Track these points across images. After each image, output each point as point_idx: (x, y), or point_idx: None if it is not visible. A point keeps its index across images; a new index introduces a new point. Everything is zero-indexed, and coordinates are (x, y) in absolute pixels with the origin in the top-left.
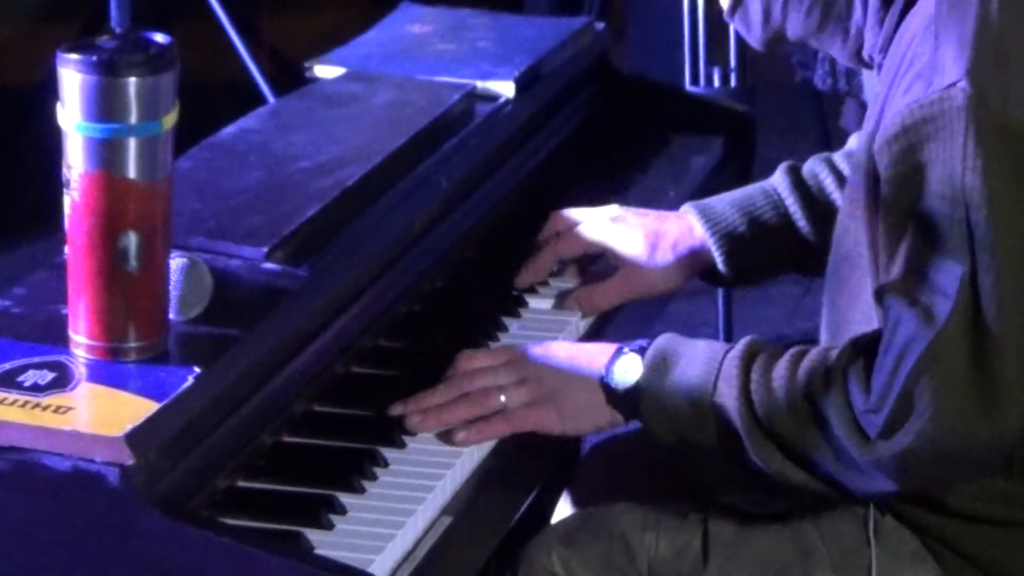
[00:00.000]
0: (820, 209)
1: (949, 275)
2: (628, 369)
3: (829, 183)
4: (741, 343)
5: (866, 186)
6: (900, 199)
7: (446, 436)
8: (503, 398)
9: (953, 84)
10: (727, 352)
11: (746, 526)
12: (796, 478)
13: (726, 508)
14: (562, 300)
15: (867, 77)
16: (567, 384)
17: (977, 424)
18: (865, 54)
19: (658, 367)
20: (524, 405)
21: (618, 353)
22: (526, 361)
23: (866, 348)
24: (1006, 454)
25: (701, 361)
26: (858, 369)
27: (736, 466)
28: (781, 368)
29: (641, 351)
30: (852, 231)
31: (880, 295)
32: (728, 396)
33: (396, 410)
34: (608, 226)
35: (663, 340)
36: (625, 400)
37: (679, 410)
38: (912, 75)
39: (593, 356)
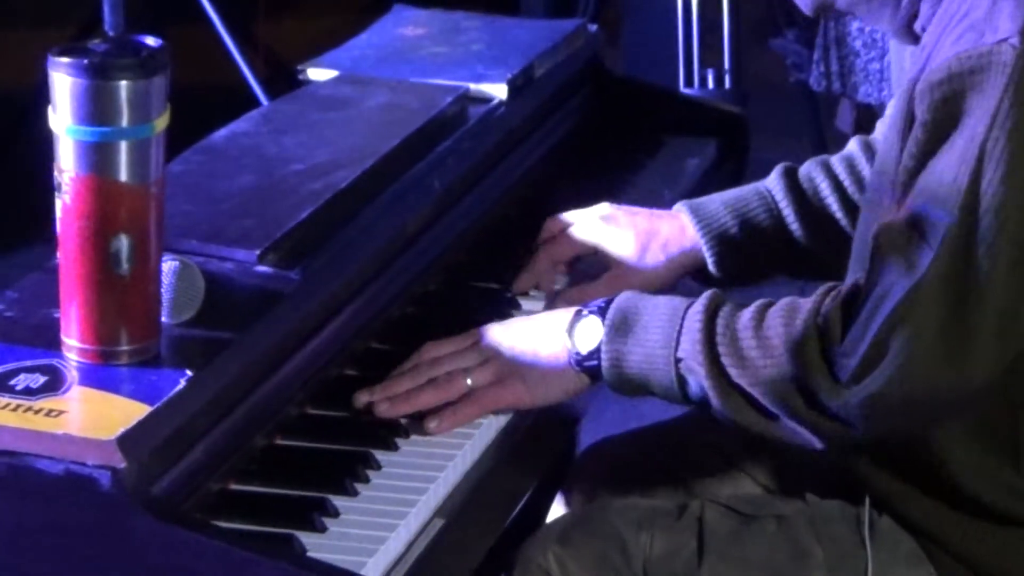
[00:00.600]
0: (814, 213)
1: (936, 227)
2: (589, 331)
3: (825, 188)
4: (703, 297)
5: (901, 134)
6: (927, 143)
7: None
8: (469, 381)
9: (1004, 39)
10: (688, 306)
11: (742, 527)
12: (761, 428)
13: (722, 508)
14: (553, 301)
15: (895, 53)
16: (530, 356)
17: (946, 374)
18: (917, 26)
19: (619, 327)
20: (490, 384)
21: (577, 316)
22: (487, 340)
23: (845, 292)
24: (969, 402)
25: (663, 317)
26: (835, 312)
27: (708, 419)
28: (747, 317)
29: (601, 312)
30: (875, 210)
31: (873, 234)
32: (691, 351)
33: (363, 398)
34: (599, 225)
35: (623, 299)
36: (589, 362)
37: (643, 368)
38: (965, 25)
39: (553, 323)
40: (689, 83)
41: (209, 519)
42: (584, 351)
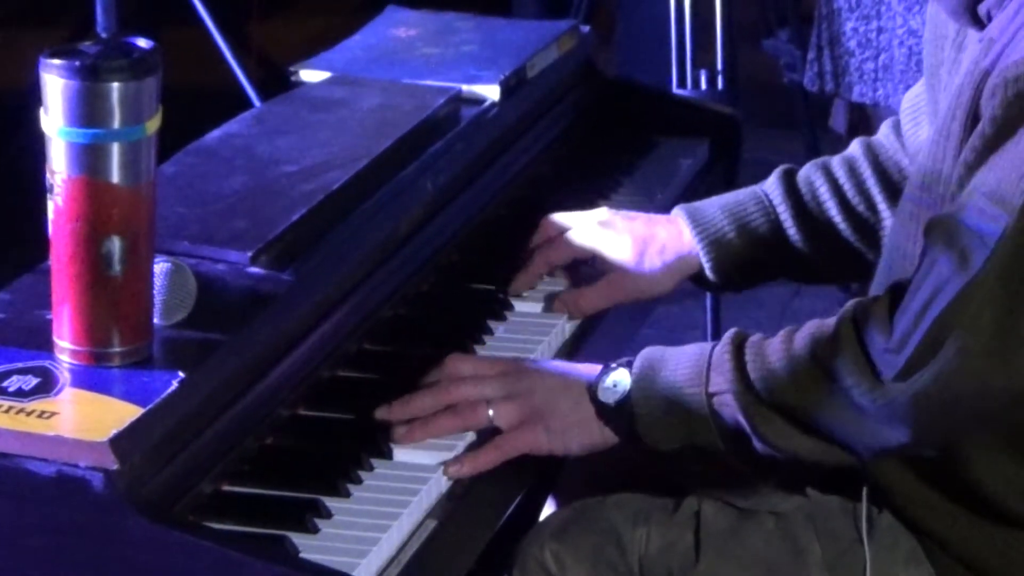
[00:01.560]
0: (812, 218)
1: (993, 223)
2: (617, 381)
3: (824, 191)
4: (726, 335)
5: (962, 126)
6: (994, 138)
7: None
8: (490, 412)
9: None
10: (714, 347)
11: (739, 522)
12: (807, 449)
13: (719, 503)
14: (549, 303)
15: (932, 35)
16: (556, 401)
17: (998, 372)
18: (983, 9)
19: (647, 373)
20: (512, 425)
21: (605, 369)
22: (515, 375)
23: (890, 289)
24: (1019, 403)
25: (689, 359)
26: (879, 307)
27: (745, 462)
28: (776, 342)
29: (628, 364)
30: (910, 253)
31: (928, 228)
32: (723, 383)
33: (381, 414)
34: (597, 231)
35: (648, 350)
36: (619, 412)
37: (675, 411)
38: None
39: (581, 373)
40: (682, 84)
41: (201, 520)
42: (612, 401)
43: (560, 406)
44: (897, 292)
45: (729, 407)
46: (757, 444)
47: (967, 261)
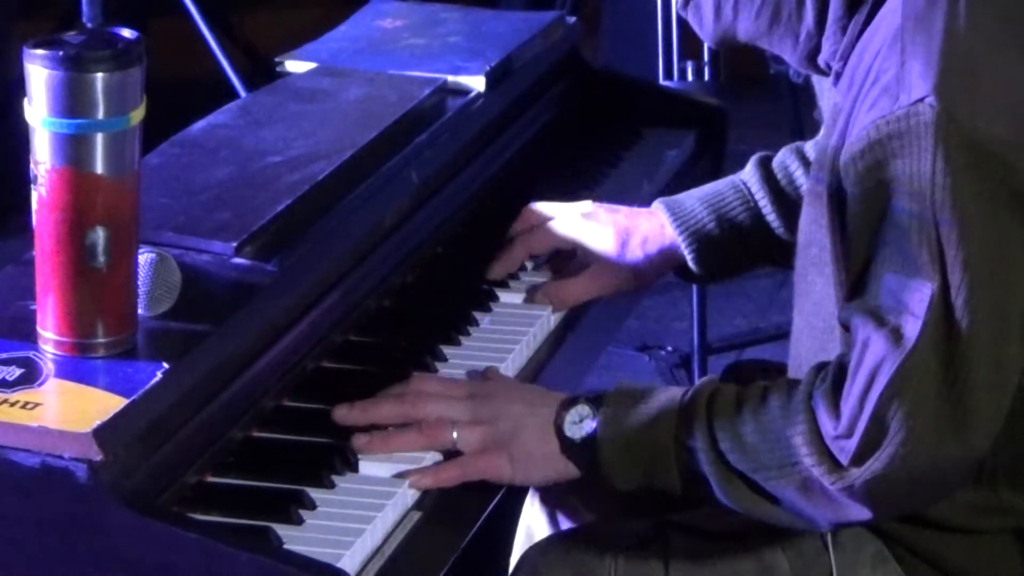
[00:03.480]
0: (791, 202)
1: (918, 294)
2: (583, 418)
3: (799, 174)
4: (700, 383)
5: (829, 200)
6: (866, 217)
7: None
8: (455, 434)
9: (921, 100)
10: (684, 396)
11: (706, 545)
12: (764, 513)
13: (686, 528)
14: (532, 295)
15: (817, 82)
16: (522, 432)
17: (949, 443)
18: (821, 61)
19: (615, 413)
20: (475, 450)
21: (572, 402)
22: (482, 399)
23: (832, 372)
24: (974, 470)
25: (660, 406)
26: (825, 394)
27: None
28: (744, 403)
29: (596, 399)
30: (817, 239)
31: (844, 316)
32: (691, 438)
33: (340, 413)
34: (579, 222)
35: (617, 389)
36: (583, 449)
37: (639, 456)
38: (878, 89)
39: (550, 403)
40: (668, 75)
41: (186, 512)
42: (577, 438)
43: (524, 436)
44: (841, 373)
45: (695, 461)
46: (720, 499)
47: (900, 338)
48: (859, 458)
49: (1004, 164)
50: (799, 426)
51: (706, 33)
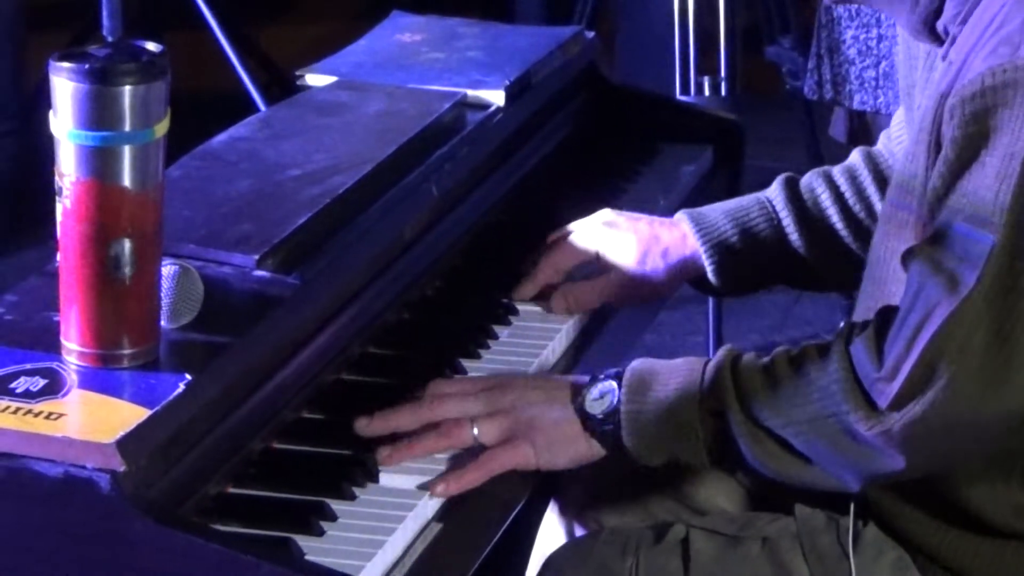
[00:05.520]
0: (814, 224)
1: (979, 244)
2: (605, 394)
3: (825, 198)
4: (720, 352)
5: (928, 149)
6: (957, 161)
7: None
8: (475, 430)
9: None
10: (707, 363)
11: (726, 548)
12: (795, 474)
13: (706, 531)
14: (549, 301)
15: (904, 54)
16: (542, 416)
17: (990, 397)
18: (940, 25)
19: (636, 387)
20: (497, 441)
21: (593, 380)
22: (498, 391)
23: (876, 319)
24: (1015, 427)
25: (682, 374)
26: (868, 338)
27: (730, 473)
28: (771, 365)
29: (616, 376)
30: (899, 239)
31: (907, 258)
32: (716, 401)
33: (360, 426)
34: (601, 231)
35: (638, 362)
36: (605, 426)
37: (664, 426)
38: (999, 39)
39: (567, 386)
40: (685, 90)
41: (207, 522)
42: (599, 414)
43: (545, 420)
44: (886, 318)
45: (721, 426)
46: (749, 463)
47: (956, 284)
48: (899, 402)
49: None
50: (835, 374)
51: None
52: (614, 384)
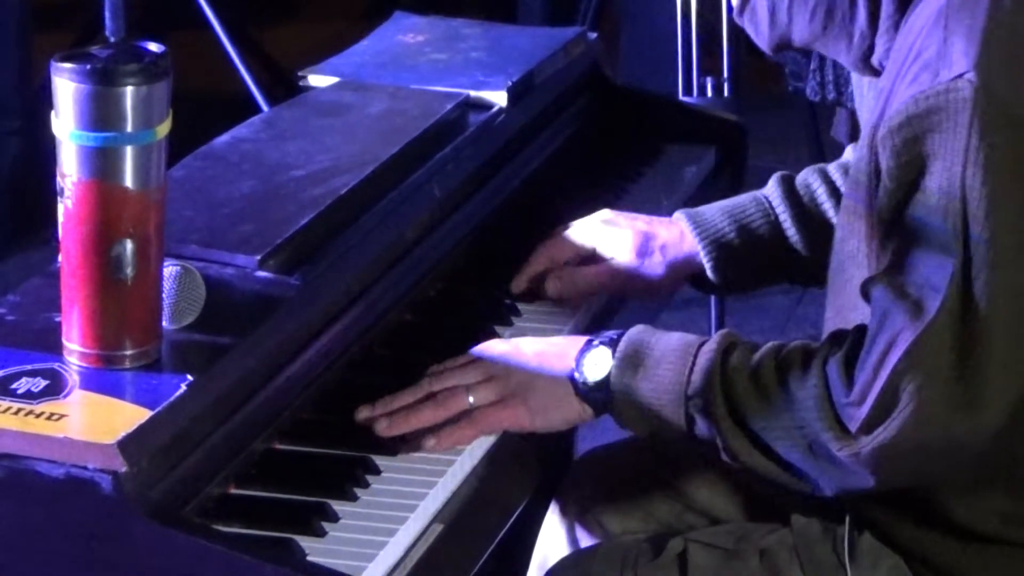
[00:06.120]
0: (811, 220)
1: (940, 269)
2: (598, 362)
3: (821, 194)
4: (716, 336)
5: (868, 180)
6: (899, 190)
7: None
8: (471, 398)
9: (960, 75)
10: (701, 344)
11: (724, 562)
12: (766, 471)
13: (704, 544)
14: (544, 282)
15: (857, 92)
16: (535, 379)
17: (959, 419)
18: (875, 60)
19: (630, 359)
20: (491, 404)
21: (588, 346)
22: (491, 357)
23: (849, 342)
24: (985, 448)
25: (675, 353)
26: (839, 361)
27: (707, 457)
28: (758, 361)
29: (612, 343)
30: (855, 231)
31: (868, 287)
32: (702, 389)
33: (364, 414)
34: (599, 228)
35: (635, 332)
36: (595, 394)
37: (650, 404)
38: (919, 65)
39: (562, 349)
40: (688, 91)
41: (209, 523)
42: (592, 381)
43: (538, 384)
44: (857, 341)
45: (704, 412)
46: (724, 452)
47: (920, 311)
48: (868, 427)
49: None
50: (812, 390)
51: (762, 39)
52: (608, 353)
